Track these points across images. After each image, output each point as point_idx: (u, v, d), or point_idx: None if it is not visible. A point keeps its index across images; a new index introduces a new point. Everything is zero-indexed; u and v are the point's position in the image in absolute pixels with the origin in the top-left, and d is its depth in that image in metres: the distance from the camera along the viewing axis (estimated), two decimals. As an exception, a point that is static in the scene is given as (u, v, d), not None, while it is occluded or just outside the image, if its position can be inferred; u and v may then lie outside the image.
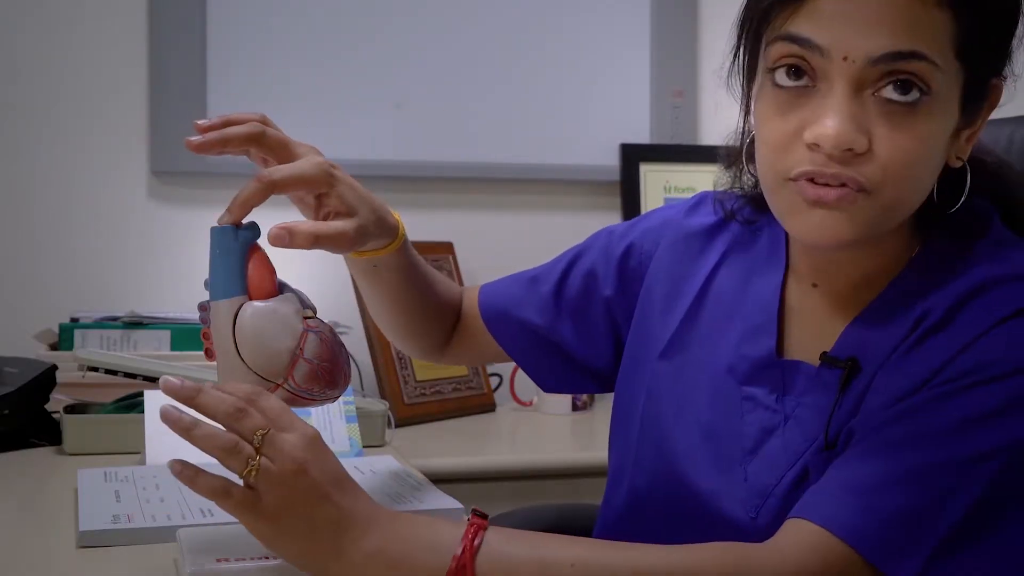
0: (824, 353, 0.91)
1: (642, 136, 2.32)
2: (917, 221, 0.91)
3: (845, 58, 0.81)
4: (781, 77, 0.85)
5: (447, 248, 2.17)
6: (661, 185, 2.31)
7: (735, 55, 0.92)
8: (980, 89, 0.87)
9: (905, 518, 0.79)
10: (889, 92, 0.81)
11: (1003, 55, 0.87)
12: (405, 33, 2.21)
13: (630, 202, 2.32)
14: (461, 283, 2.16)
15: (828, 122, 0.81)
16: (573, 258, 1.20)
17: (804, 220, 0.85)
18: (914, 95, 0.81)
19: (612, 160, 2.33)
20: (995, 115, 1.41)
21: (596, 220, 2.34)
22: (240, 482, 0.83)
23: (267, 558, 0.87)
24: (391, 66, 2.20)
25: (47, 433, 1.51)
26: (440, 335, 1.19)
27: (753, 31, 0.89)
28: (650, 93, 2.32)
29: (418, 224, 2.22)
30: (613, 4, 2.32)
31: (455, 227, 2.24)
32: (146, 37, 2.08)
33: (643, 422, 1.04)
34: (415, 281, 1.11)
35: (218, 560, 0.87)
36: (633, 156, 2.32)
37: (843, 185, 0.82)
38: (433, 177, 2.25)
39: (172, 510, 1.06)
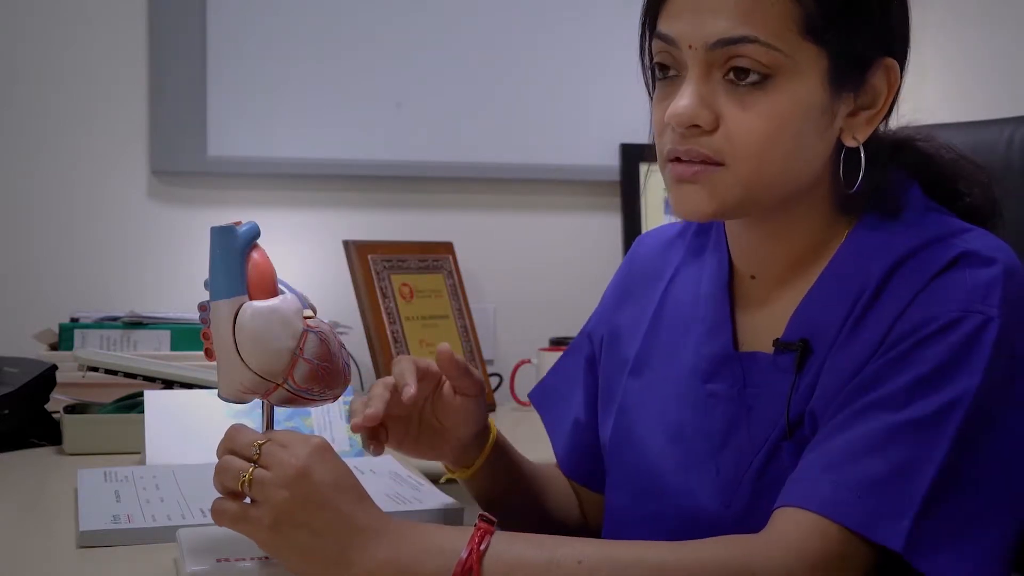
0: (776, 340, 0.95)
1: (642, 136, 2.30)
2: (839, 203, 0.96)
3: (690, 46, 0.90)
4: (658, 71, 0.95)
5: (447, 248, 2.17)
6: (661, 185, 2.31)
7: (641, 57, 1.00)
8: (855, 69, 0.91)
9: (882, 484, 0.82)
10: (732, 75, 0.89)
11: (880, 34, 0.92)
12: (405, 33, 2.21)
13: (630, 202, 2.32)
14: (461, 283, 2.16)
15: (678, 102, 0.90)
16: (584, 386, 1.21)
17: (675, 196, 0.94)
18: (753, 77, 0.88)
19: (612, 160, 2.33)
20: (995, 115, 1.41)
21: (596, 220, 2.35)
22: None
23: (267, 558, 0.87)
24: (391, 66, 2.20)
25: (47, 433, 1.51)
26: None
27: (647, 32, 0.97)
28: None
29: (418, 224, 2.23)
30: (613, 4, 2.32)
31: (455, 227, 2.24)
32: (146, 37, 2.08)
33: (615, 436, 1.07)
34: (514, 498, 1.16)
35: (218, 560, 0.87)
36: (633, 156, 2.32)
37: (702, 161, 0.90)
38: (433, 177, 2.25)
39: (172, 510, 1.06)
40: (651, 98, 1.00)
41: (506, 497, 1.14)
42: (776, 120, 0.89)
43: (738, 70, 0.88)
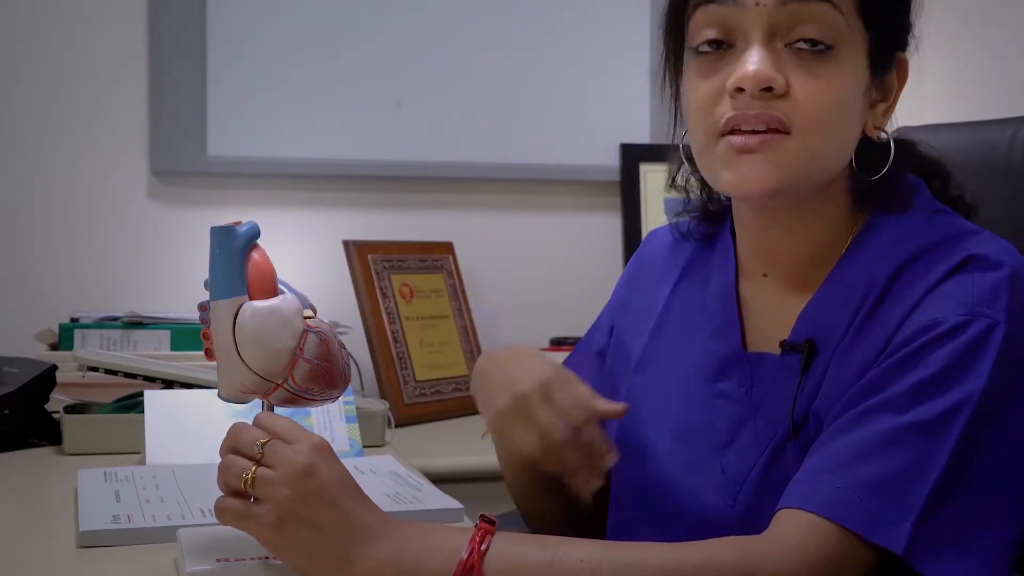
0: (783, 341, 0.95)
1: (642, 136, 2.32)
2: (853, 199, 0.97)
3: (757, 3, 0.89)
4: (703, 47, 0.92)
5: (447, 248, 2.17)
6: (661, 185, 2.31)
7: (663, 52, 0.99)
8: (885, 57, 0.94)
9: (883, 486, 0.81)
10: (800, 44, 0.89)
11: (903, 28, 0.95)
12: (405, 33, 2.21)
13: (630, 202, 2.31)
14: (461, 284, 2.16)
15: (748, 66, 0.88)
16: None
17: (734, 170, 0.90)
18: (820, 45, 0.89)
19: (612, 160, 2.32)
20: (996, 115, 1.41)
21: (596, 220, 2.35)
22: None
23: (267, 558, 0.87)
24: (391, 66, 2.20)
25: (47, 433, 1.51)
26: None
27: (675, 19, 0.96)
28: (650, 93, 2.31)
29: (418, 224, 2.23)
30: (613, 4, 2.32)
31: (455, 227, 2.23)
32: (146, 37, 2.08)
33: (620, 433, 1.06)
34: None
35: (218, 560, 0.87)
36: (633, 156, 2.32)
37: (766, 131, 0.88)
38: (433, 177, 2.24)
39: (172, 510, 1.06)
40: (670, 89, 1.00)
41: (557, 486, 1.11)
42: (841, 90, 0.90)
43: (807, 38, 0.88)
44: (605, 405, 0.94)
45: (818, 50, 0.89)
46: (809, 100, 0.88)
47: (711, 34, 0.91)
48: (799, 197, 0.94)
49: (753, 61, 0.88)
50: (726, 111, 0.90)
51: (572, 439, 0.92)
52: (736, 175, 0.90)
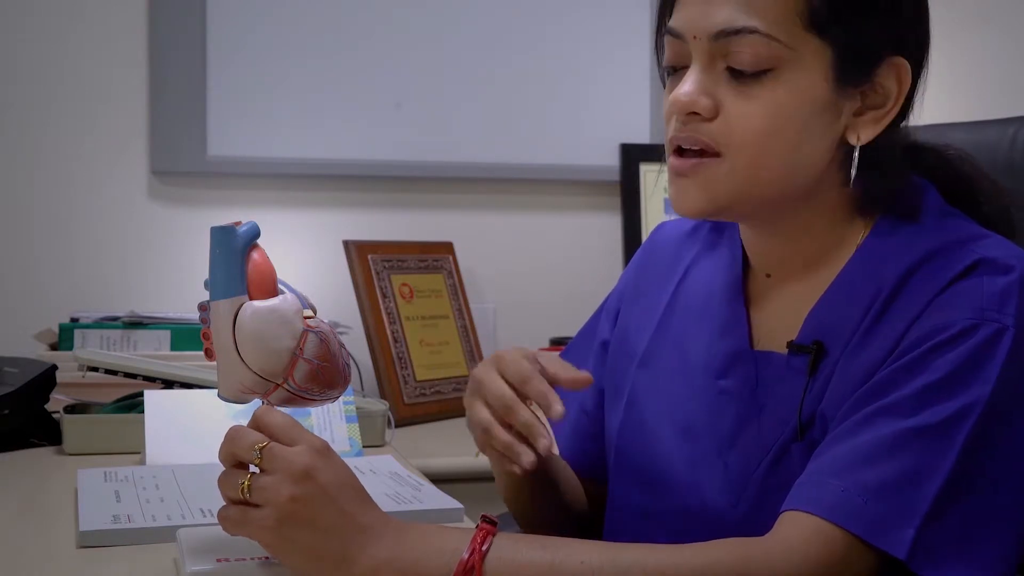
0: (791, 342, 0.95)
1: (642, 136, 2.32)
2: (854, 204, 0.95)
3: (695, 37, 0.91)
4: (667, 67, 0.96)
5: (447, 248, 2.17)
6: (661, 185, 2.31)
7: (657, 55, 1.01)
8: (860, 65, 0.91)
9: (888, 490, 0.81)
10: (735, 63, 0.90)
11: (884, 32, 0.91)
12: (405, 33, 2.21)
13: (630, 202, 2.32)
14: (461, 283, 2.16)
15: (679, 89, 0.91)
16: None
17: (671, 192, 0.95)
18: (758, 67, 0.89)
19: (612, 160, 2.33)
20: (996, 115, 1.41)
21: (596, 220, 2.35)
22: None
23: (267, 558, 0.87)
24: (391, 66, 2.20)
25: (47, 433, 1.51)
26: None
27: (660, 30, 0.98)
28: (650, 93, 2.32)
29: (418, 224, 2.23)
30: (613, 4, 2.32)
31: (455, 227, 2.24)
32: (146, 37, 2.08)
33: (623, 428, 1.06)
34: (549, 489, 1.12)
35: (218, 560, 0.87)
36: (633, 156, 2.32)
37: (700, 153, 0.91)
38: (433, 177, 2.25)
39: (172, 510, 1.06)
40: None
41: (548, 482, 1.11)
42: (776, 111, 0.89)
43: (740, 61, 0.89)
44: (567, 373, 0.96)
45: (752, 73, 0.89)
46: (740, 122, 0.89)
47: (669, 57, 0.95)
48: (774, 211, 0.94)
49: (683, 85, 0.91)
50: (671, 130, 0.93)
51: (507, 419, 0.95)
52: (672, 196, 0.95)
